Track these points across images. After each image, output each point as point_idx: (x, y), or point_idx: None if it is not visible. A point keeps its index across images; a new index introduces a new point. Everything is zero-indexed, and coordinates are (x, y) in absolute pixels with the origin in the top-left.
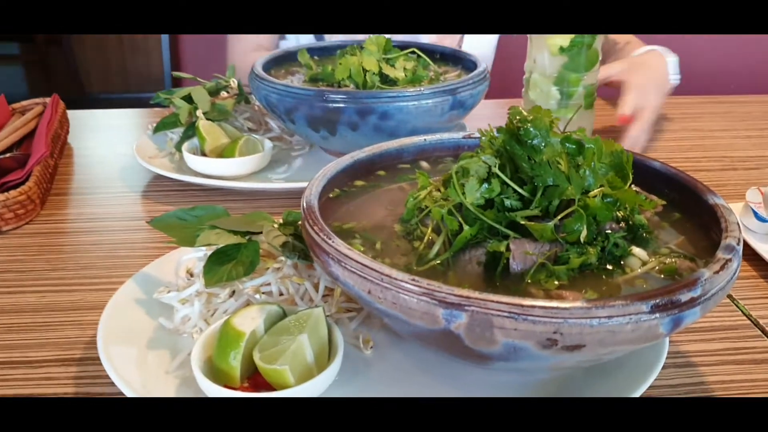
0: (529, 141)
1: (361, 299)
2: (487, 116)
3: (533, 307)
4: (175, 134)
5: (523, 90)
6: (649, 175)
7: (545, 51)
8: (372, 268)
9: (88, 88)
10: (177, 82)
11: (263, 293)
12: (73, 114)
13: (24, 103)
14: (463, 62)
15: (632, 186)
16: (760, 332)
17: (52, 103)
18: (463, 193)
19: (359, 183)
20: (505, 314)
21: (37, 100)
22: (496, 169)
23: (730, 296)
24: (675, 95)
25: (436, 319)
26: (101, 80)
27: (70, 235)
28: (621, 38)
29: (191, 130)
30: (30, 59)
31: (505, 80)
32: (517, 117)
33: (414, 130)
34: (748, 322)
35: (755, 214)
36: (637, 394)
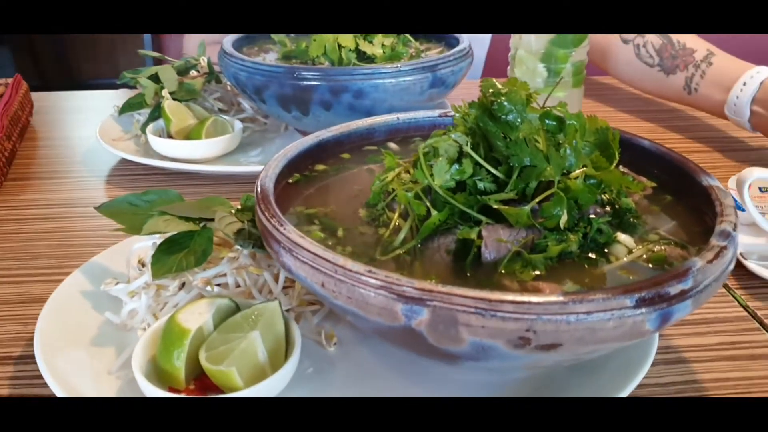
0: (504, 116)
1: (315, 293)
2: (471, 96)
3: (502, 302)
4: (141, 116)
5: (508, 68)
6: (637, 155)
7: None
8: (325, 259)
9: (77, 74)
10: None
11: (218, 285)
12: (37, 96)
13: None
14: (447, 39)
15: (619, 166)
16: (758, 325)
17: (12, 83)
18: (431, 175)
19: (322, 167)
20: (471, 310)
21: None
22: (467, 148)
23: (725, 285)
24: None
25: (395, 315)
26: (90, 67)
27: (23, 222)
28: (695, 43)
29: (157, 111)
30: (18, 44)
31: (501, 60)
32: (491, 90)
33: (391, 110)
34: (745, 313)
35: (735, 202)
36: (623, 394)
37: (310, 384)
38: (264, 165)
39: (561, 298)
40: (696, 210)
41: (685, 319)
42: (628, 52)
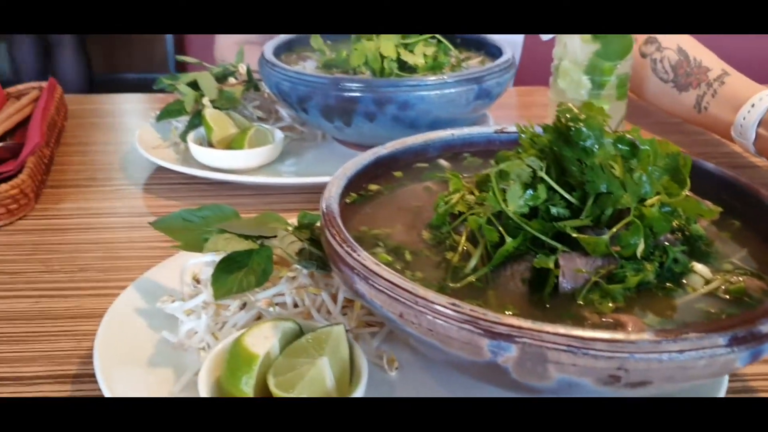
0: (581, 142)
1: (390, 322)
2: (511, 105)
3: (595, 340)
4: (179, 123)
5: (551, 78)
6: (700, 178)
7: (576, 37)
8: (404, 289)
9: (93, 68)
10: (181, 66)
11: (277, 305)
12: (71, 99)
13: (19, 87)
14: (486, 47)
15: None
16: None
17: (48, 87)
18: (505, 200)
19: (376, 186)
20: (563, 348)
21: (33, 84)
22: (542, 173)
23: None
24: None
25: (480, 351)
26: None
27: (66, 232)
28: (710, 62)
29: (197, 119)
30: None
31: (529, 66)
32: (568, 115)
33: (436, 121)
34: None
35: None
36: None
37: None
38: (305, 177)
39: (654, 337)
40: (766, 237)
41: None
42: (644, 67)
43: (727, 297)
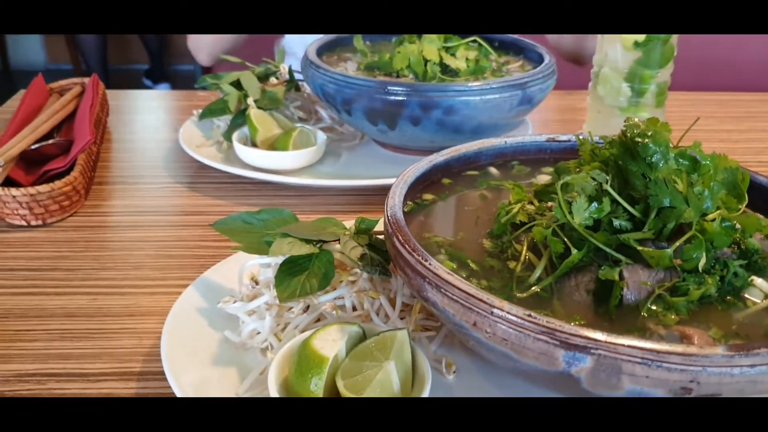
0: (648, 157)
1: (461, 330)
2: (547, 108)
3: (670, 353)
4: (221, 122)
5: (590, 84)
6: (753, 191)
7: (618, 44)
8: (479, 299)
9: (111, 59)
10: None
11: (337, 308)
12: (111, 94)
13: (62, 82)
14: (525, 52)
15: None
16: None
17: (92, 84)
18: (570, 212)
19: (431, 194)
20: (638, 360)
21: (74, 80)
22: (608, 187)
23: None
24: (739, 91)
25: (555, 362)
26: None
27: (116, 229)
28: None
29: (240, 118)
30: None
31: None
32: (635, 130)
33: (479, 126)
34: None
35: None
36: None
37: None
38: (346, 179)
39: (727, 351)
40: None
41: None
42: None
43: None
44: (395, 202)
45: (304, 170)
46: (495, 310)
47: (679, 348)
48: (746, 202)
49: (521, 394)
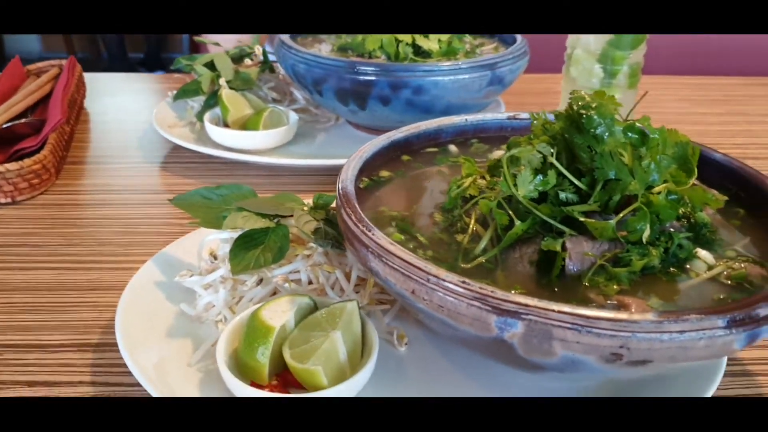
0: (592, 130)
1: (402, 298)
2: (523, 92)
3: (599, 318)
4: (195, 103)
5: (563, 66)
6: (708, 167)
7: None
8: (417, 267)
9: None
10: (196, 46)
11: (292, 281)
12: (90, 77)
13: (39, 64)
14: (499, 35)
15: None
16: None
17: (68, 65)
18: (515, 185)
19: (388, 169)
20: (568, 325)
21: (53, 62)
22: (553, 159)
23: None
24: (719, 75)
25: (488, 327)
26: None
27: (86, 207)
28: None
29: (213, 99)
30: None
31: (542, 53)
32: (580, 102)
33: (449, 106)
34: None
35: None
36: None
37: (381, 384)
38: (317, 158)
39: (656, 317)
40: None
41: None
42: None
43: (729, 282)
44: (347, 176)
45: (276, 150)
46: (431, 278)
47: (608, 313)
48: (695, 175)
49: (471, 366)
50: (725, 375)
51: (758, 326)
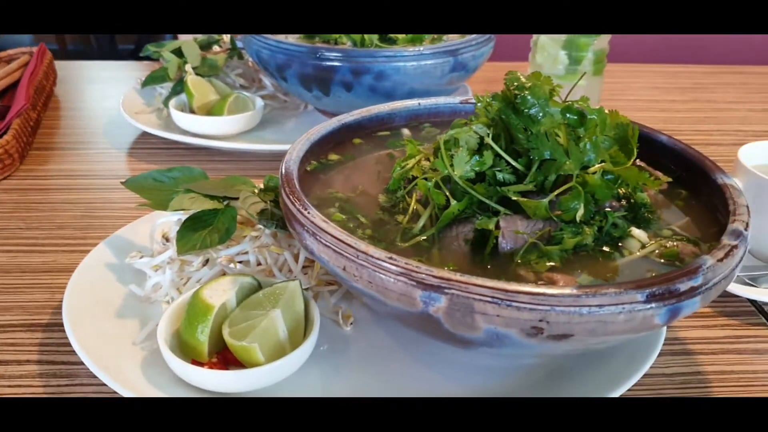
0: (526, 110)
1: (336, 276)
2: (491, 79)
3: (518, 292)
4: (164, 89)
5: (530, 53)
6: (655, 150)
7: None
8: (347, 244)
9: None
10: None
11: (240, 263)
12: (61, 65)
13: (10, 51)
14: None
15: (637, 161)
16: (764, 320)
17: (37, 53)
18: (452, 165)
19: (339, 151)
20: (488, 299)
21: (23, 49)
22: (489, 140)
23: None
24: (688, 63)
25: (414, 302)
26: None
27: (47, 192)
28: None
29: (180, 85)
30: None
31: (507, 40)
32: (515, 83)
33: (411, 92)
34: (752, 308)
35: None
36: (631, 383)
37: (325, 362)
38: (284, 144)
39: (574, 291)
40: (710, 207)
41: (693, 312)
42: None
43: (662, 261)
44: (291, 157)
45: (243, 136)
46: (360, 254)
47: (527, 287)
48: (635, 156)
49: (414, 344)
50: (666, 354)
51: (679, 301)
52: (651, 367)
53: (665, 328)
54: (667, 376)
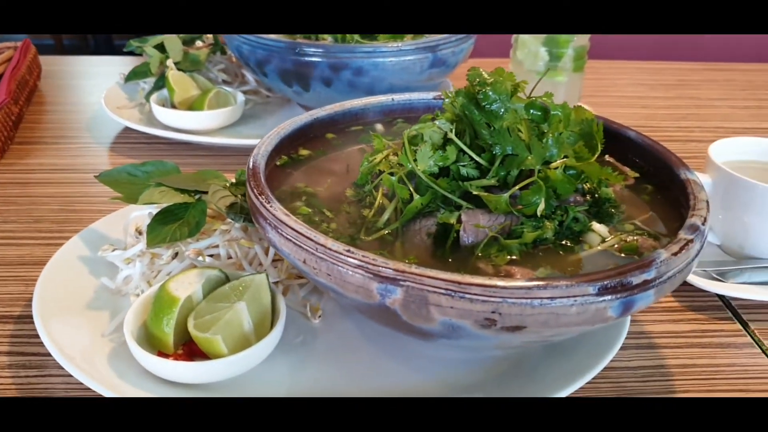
0: (488, 106)
1: (298, 268)
2: None
3: (470, 284)
4: (147, 84)
5: (511, 50)
6: (623, 145)
7: None
8: (307, 237)
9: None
10: None
11: (210, 256)
12: (46, 60)
13: None
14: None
15: (605, 156)
16: (730, 314)
17: (21, 48)
18: (415, 160)
19: (310, 146)
20: (442, 291)
21: (8, 44)
22: (451, 135)
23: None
24: (673, 60)
25: (371, 294)
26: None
27: (27, 186)
28: None
29: (161, 80)
30: None
31: (499, 38)
32: (477, 79)
33: (391, 88)
34: (720, 303)
35: None
36: (592, 374)
37: (293, 354)
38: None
39: (526, 283)
40: (675, 202)
41: (659, 306)
42: None
43: (622, 254)
44: (259, 151)
45: (225, 131)
46: (318, 247)
47: (479, 279)
48: (598, 151)
49: (380, 336)
50: (630, 347)
51: (631, 294)
52: (615, 360)
53: (629, 321)
54: (630, 369)
